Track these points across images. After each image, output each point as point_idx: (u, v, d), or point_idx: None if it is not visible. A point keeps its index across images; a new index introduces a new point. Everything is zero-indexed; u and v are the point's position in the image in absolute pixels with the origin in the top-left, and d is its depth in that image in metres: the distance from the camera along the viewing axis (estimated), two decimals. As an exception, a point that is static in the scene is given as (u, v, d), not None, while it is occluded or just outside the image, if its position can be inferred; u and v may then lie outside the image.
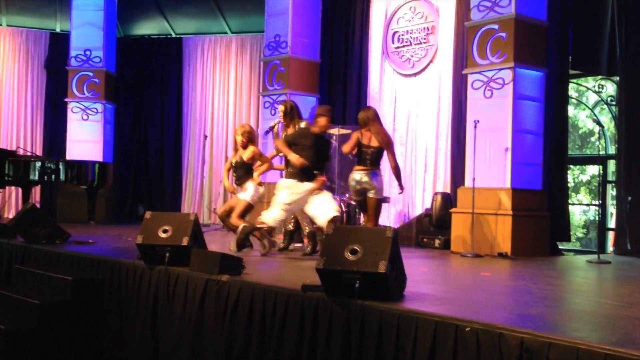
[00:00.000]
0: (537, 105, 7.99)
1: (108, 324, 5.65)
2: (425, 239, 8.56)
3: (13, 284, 6.42)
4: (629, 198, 8.15)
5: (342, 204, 7.73)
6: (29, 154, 11.67)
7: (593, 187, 12.35)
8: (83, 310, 5.61)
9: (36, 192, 12.48)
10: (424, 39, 9.59)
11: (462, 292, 4.79)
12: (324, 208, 6.27)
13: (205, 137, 12.36)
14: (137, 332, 5.26)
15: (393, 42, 10.03)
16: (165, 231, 5.26)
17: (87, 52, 12.04)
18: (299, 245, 7.34)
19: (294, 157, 6.30)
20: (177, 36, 13.47)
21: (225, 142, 12.61)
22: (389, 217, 9.66)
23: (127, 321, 5.44)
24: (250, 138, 6.95)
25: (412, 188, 9.48)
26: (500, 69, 7.77)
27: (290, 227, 7.12)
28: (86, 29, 12.07)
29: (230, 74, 12.87)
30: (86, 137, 12.05)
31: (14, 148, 11.54)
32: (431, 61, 9.48)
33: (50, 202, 12.33)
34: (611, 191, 10.09)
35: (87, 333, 5.62)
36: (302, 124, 6.94)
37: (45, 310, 5.44)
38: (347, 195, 7.83)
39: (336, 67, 11.02)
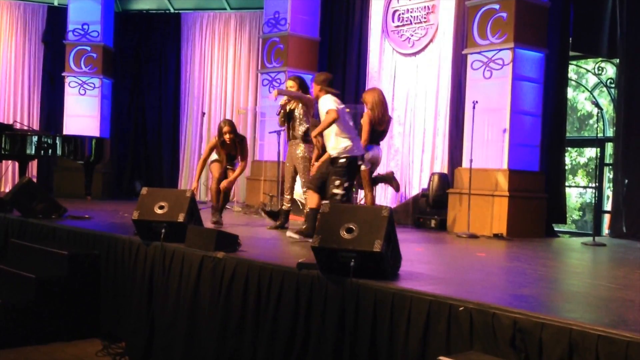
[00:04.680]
0: (537, 87, 7.96)
1: (104, 299, 5.67)
2: (421, 219, 8.56)
3: (9, 258, 6.42)
4: (626, 181, 8.15)
5: None
6: (26, 128, 11.62)
7: (590, 170, 12.35)
8: (79, 285, 5.63)
9: (33, 167, 12.41)
10: (424, 18, 9.50)
11: (457, 272, 4.81)
12: None
13: (203, 114, 12.26)
14: (133, 308, 5.28)
15: (393, 21, 9.93)
16: (161, 207, 5.25)
17: (85, 26, 11.93)
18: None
19: None
20: (176, 11, 13.34)
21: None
22: (385, 197, 9.65)
23: (123, 297, 5.46)
24: None
25: (409, 168, 9.46)
26: (500, 50, 7.72)
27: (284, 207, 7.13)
28: (84, 3, 11.94)
29: (228, 50, 12.77)
30: (83, 112, 11.99)
31: (10, 122, 11.47)
32: (431, 40, 9.40)
33: (47, 177, 12.30)
34: (608, 174, 10.09)
35: (83, 308, 5.64)
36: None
37: (41, 285, 5.46)
38: None
39: (336, 45, 10.94)
